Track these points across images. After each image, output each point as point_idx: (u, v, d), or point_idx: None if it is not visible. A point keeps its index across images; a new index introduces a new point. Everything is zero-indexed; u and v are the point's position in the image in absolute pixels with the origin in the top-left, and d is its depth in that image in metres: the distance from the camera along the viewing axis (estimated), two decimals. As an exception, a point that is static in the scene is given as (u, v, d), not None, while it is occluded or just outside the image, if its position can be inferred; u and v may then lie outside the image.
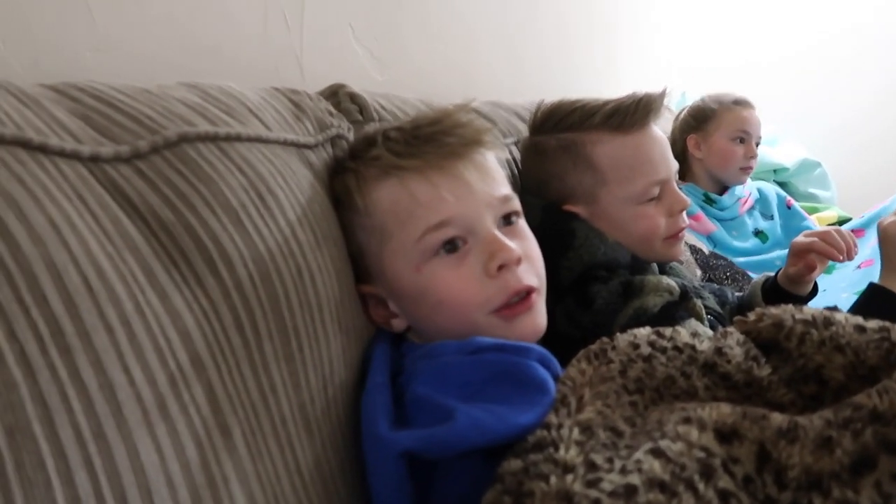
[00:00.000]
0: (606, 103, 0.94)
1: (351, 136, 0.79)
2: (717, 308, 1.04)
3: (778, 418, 0.51)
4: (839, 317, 0.64)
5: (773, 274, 1.14)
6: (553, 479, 0.48)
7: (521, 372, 0.59)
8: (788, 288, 1.08)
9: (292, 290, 0.55)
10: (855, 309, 0.93)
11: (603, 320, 0.88)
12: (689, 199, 1.00)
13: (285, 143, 0.66)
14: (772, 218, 1.89)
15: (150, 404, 0.40)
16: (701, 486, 0.47)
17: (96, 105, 0.53)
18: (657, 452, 0.50)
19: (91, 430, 0.37)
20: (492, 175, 0.70)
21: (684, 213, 1.00)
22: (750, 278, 1.42)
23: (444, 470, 0.57)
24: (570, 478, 0.48)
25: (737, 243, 1.79)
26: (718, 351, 0.66)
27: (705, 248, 1.51)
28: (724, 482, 0.48)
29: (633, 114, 0.92)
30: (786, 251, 1.78)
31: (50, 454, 0.34)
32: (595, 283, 0.91)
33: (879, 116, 2.58)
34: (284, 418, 0.51)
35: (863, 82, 2.62)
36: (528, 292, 0.67)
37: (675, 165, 0.98)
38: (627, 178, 0.93)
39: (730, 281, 1.35)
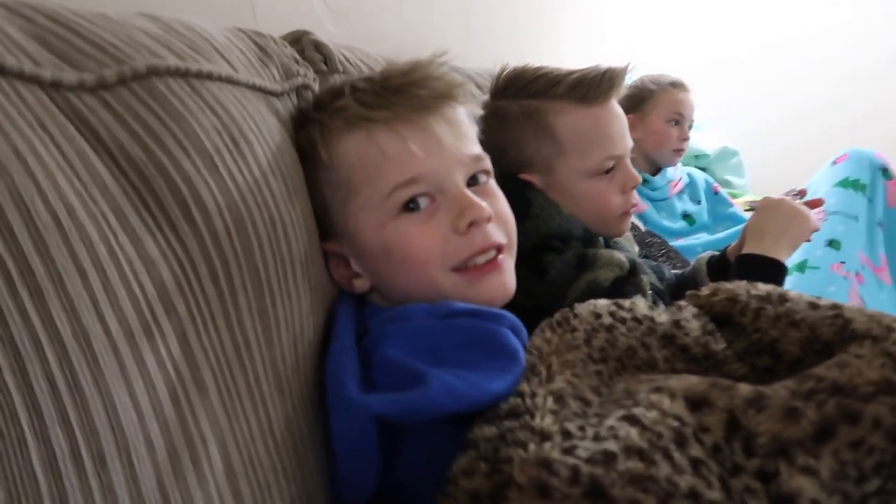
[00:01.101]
0: (570, 73, 0.93)
1: (316, 87, 0.75)
2: (658, 284, 1.07)
3: (745, 388, 0.53)
4: (792, 294, 0.67)
5: (717, 253, 1.18)
6: (531, 447, 0.48)
7: (493, 339, 0.58)
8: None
9: (266, 242, 0.52)
10: (735, 278, 0.98)
11: (556, 290, 0.89)
12: (640, 177, 1.02)
13: (253, 88, 0.61)
14: (699, 203, 1.97)
15: (127, 357, 0.37)
16: (676, 455, 0.48)
17: (52, 27, 0.47)
18: (632, 420, 0.51)
19: (66, 382, 0.33)
20: (463, 131, 0.68)
21: (635, 191, 1.02)
22: (682, 257, 1.47)
23: (410, 436, 0.55)
24: (547, 445, 0.48)
25: (666, 223, 1.85)
26: (676, 324, 0.68)
27: (641, 225, 1.55)
28: (696, 450, 0.49)
29: (596, 86, 0.92)
30: (712, 236, 1.87)
31: (24, 406, 0.31)
32: (549, 253, 0.91)
33: (794, 112, 2.73)
34: (258, 376, 0.48)
35: (783, 83, 2.76)
36: (496, 250, 0.66)
37: (630, 143, 0.99)
38: (585, 151, 0.93)
39: (664, 259, 1.40)
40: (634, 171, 1.00)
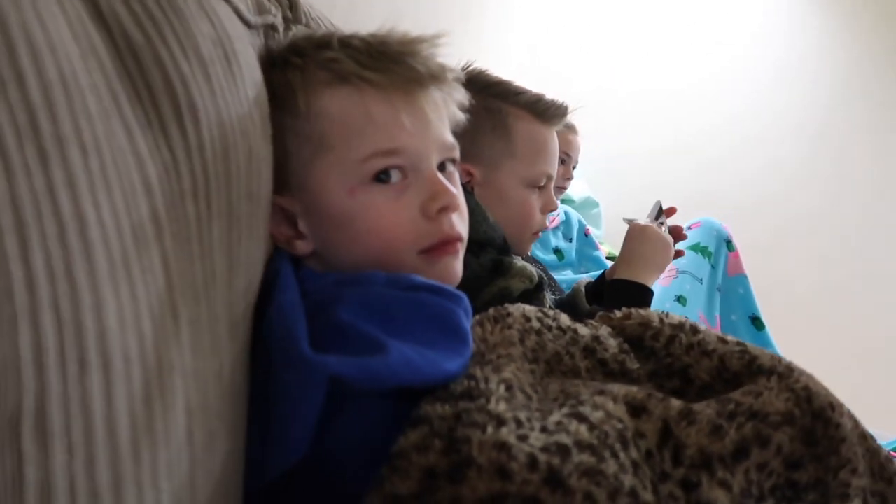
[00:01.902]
0: (529, 90, 0.98)
1: (282, 31, 0.70)
2: (552, 304, 1.12)
3: (676, 402, 0.57)
4: (702, 326, 0.73)
5: (591, 280, 1.25)
6: (489, 429, 0.48)
7: (451, 319, 0.57)
8: None
9: (243, 172, 0.47)
10: (608, 302, 1.06)
11: (468, 291, 0.90)
12: (557, 204, 1.08)
13: (237, 12, 0.56)
14: (571, 240, 2.08)
15: (116, 256, 0.31)
16: (621, 454, 0.50)
17: None
18: (580, 417, 0.52)
19: (63, 262, 0.28)
20: (445, 117, 0.67)
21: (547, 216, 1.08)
22: (559, 286, 1.54)
23: (347, 406, 0.53)
24: (504, 430, 0.48)
25: (538, 253, 1.94)
26: (596, 338, 0.71)
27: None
28: (634, 453, 0.51)
29: (554, 109, 0.99)
30: (575, 275, 1.99)
31: (21, 282, 0.25)
32: (466, 254, 0.92)
33: (652, 168, 2.96)
34: (217, 315, 0.43)
35: (645, 135, 2.99)
36: (457, 240, 0.66)
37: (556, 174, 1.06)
38: (532, 160, 0.98)
39: (545, 284, 1.46)
40: (554, 198, 1.05)
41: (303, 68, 0.61)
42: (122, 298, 0.31)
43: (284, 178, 0.62)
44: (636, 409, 0.55)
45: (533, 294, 0.95)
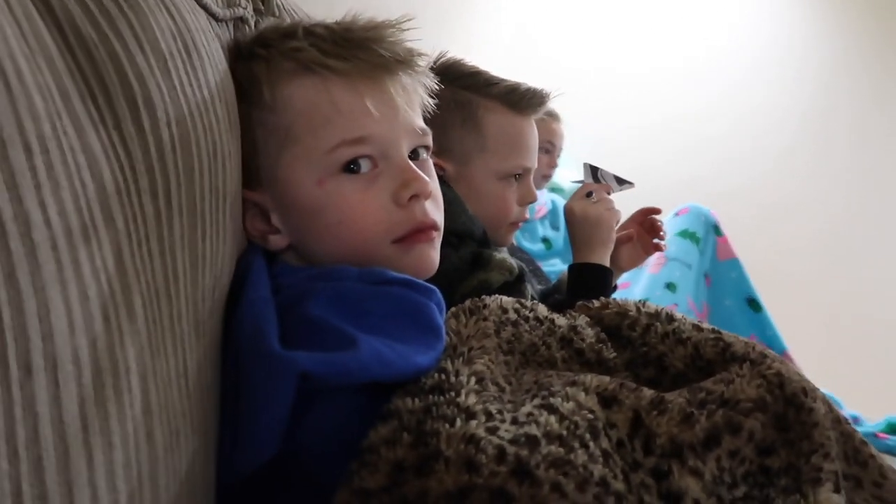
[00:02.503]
0: (505, 80, 0.96)
1: (253, 23, 0.69)
2: (534, 294, 1.12)
3: (648, 392, 0.57)
4: (678, 315, 0.73)
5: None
6: (458, 423, 0.48)
7: (423, 313, 0.57)
8: None
9: (207, 168, 0.46)
10: (570, 290, 1.06)
11: (446, 284, 0.89)
12: (537, 195, 1.07)
13: (200, 4, 0.55)
14: (558, 229, 2.08)
15: (65, 256, 0.31)
16: (591, 444, 0.50)
17: None
18: (550, 408, 0.52)
19: (3, 269, 0.27)
20: (415, 102, 0.66)
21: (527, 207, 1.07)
22: (545, 276, 1.54)
23: (318, 401, 0.52)
24: (473, 423, 0.48)
25: (526, 244, 1.94)
26: (573, 328, 0.71)
27: (514, 240, 1.61)
28: (605, 443, 0.51)
29: (529, 98, 0.97)
30: (564, 264, 1.99)
31: (-44, 288, 0.25)
32: (446, 247, 0.92)
33: (643, 149, 2.96)
34: (181, 313, 0.43)
35: (640, 119, 2.98)
36: (431, 227, 0.65)
37: (536, 163, 1.05)
38: (505, 153, 0.97)
39: (532, 275, 1.46)
40: (534, 189, 1.04)
41: (268, 59, 0.61)
42: (72, 300, 0.31)
43: (254, 173, 0.62)
44: (607, 400, 0.55)
45: (513, 286, 0.95)
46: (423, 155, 0.68)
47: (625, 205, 1.17)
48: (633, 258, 1.19)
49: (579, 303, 0.78)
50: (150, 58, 0.42)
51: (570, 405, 0.53)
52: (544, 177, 1.93)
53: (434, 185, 0.68)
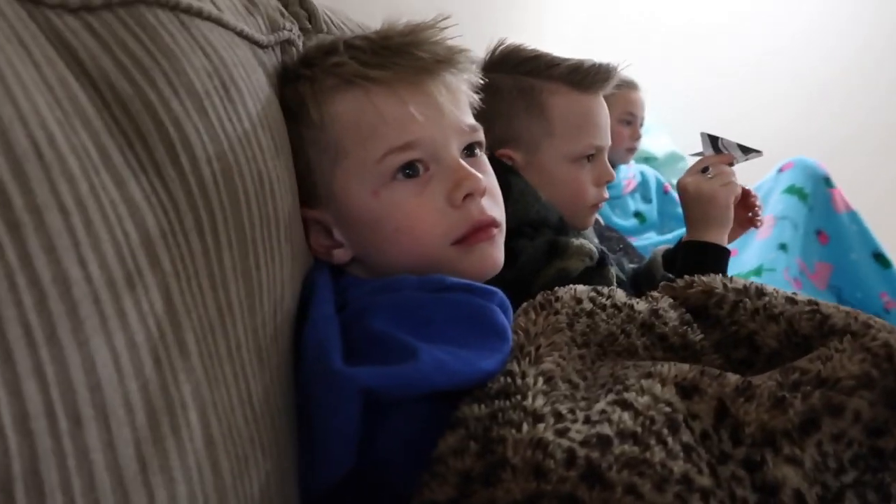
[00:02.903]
0: (568, 59, 0.94)
1: (301, 44, 0.70)
2: (622, 276, 1.08)
3: (733, 378, 0.53)
4: (769, 288, 0.68)
5: (671, 246, 1.20)
6: (525, 427, 0.47)
7: (485, 316, 0.56)
8: None
9: (253, 198, 0.48)
10: (680, 270, 1.00)
11: (525, 277, 0.88)
12: (614, 174, 1.03)
13: (241, 35, 0.57)
14: (650, 201, 2.00)
15: (108, 308, 0.33)
16: (669, 440, 0.47)
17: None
18: (624, 404, 0.50)
19: (43, 331, 0.29)
20: (462, 100, 0.66)
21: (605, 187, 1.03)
22: (638, 252, 1.49)
23: (390, 413, 0.53)
24: (541, 426, 0.47)
25: (618, 220, 1.87)
26: (654, 312, 0.67)
27: (600, 219, 1.56)
28: (687, 437, 0.48)
29: (593, 75, 0.93)
30: (660, 236, 1.91)
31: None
32: (521, 238, 0.90)
33: (741, 115, 2.79)
34: (239, 342, 0.44)
35: (732, 82, 2.82)
36: (490, 224, 0.64)
37: (609, 141, 1.00)
38: (573, 136, 0.94)
39: (622, 253, 1.41)
40: (610, 168, 1.00)
41: (312, 79, 0.62)
42: (118, 348, 0.32)
43: (312, 191, 0.63)
44: (687, 390, 0.52)
45: (595, 271, 0.92)
46: (477, 151, 0.67)
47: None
48: (730, 233, 1.12)
49: (663, 283, 0.74)
50: (185, 101, 0.43)
51: (646, 399, 0.50)
52: (629, 150, 1.85)
53: (490, 181, 0.67)
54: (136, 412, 0.33)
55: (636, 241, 1.84)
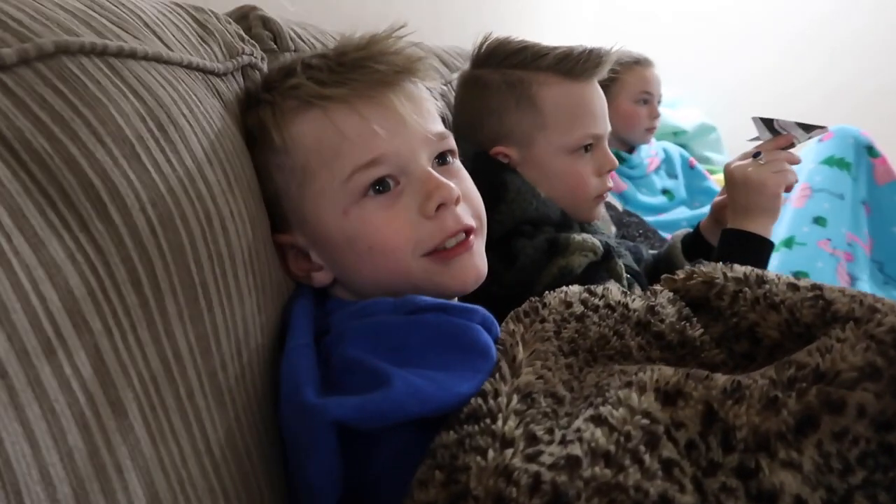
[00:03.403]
0: (557, 48, 0.90)
1: (265, 66, 0.69)
2: (635, 265, 1.04)
3: (722, 378, 0.49)
4: (771, 275, 0.63)
5: (691, 230, 1.15)
6: (490, 454, 0.44)
7: (463, 335, 0.54)
8: (710, 238, 1.09)
9: (199, 238, 0.47)
10: (717, 255, 0.95)
11: (525, 278, 0.85)
12: (617, 161, 0.99)
13: (189, 67, 0.56)
14: (676, 177, 1.93)
15: (20, 381, 0.32)
16: (647, 458, 0.44)
17: (-57, 0, 0.41)
18: (599, 420, 0.47)
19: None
20: (426, 108, 0.64)
21: (609, 176, 0.99)
22: (660, 236, 1.44)
23: (384, 438, 0.51)
24: (509, 452, 0.44)
25: (646, 199, 1.81)
26: (651, 309, 0.64)
27: (619, 205, 1.52)
28: (668, 451, 0.45)
29: (583, 62, 0.89)
30: (691, 211, 1.84)
31: None
32: (520, 238, 0.88)
33: (772, 84, 2.70)
34: (191, 390, 0.43)
35: (758, 51, 2.72)
36: (466, 233, 0.62)
37: (609, 126, 0.96)
38: (566, 126, 0.90)
39: (642, 238, 1.36)
40: (612, 155, 0.96)
41: (272, 102, 0.61)
42: (31, 421, 0.32)
43: (283, 215, 0.62)
44: (670, 396, 0.49)
45: (601, 265, 0.88)
46: (450, 159, 0.65)
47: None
48: None
49: (665, 276, 0.71)
50: (113, 149, 0.42)
51: (621, 412, 0.47)
52: (648, 130, 1.79)
53: (464, 185, 0.65)
54: (59, 484, 0.32)
55: (668, 217, 1.79)
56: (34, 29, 0.43)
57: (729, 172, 0.98)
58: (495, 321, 0.59)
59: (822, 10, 2.59)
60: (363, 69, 0.59)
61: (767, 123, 0.99)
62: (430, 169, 0.61)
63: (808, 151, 1.63)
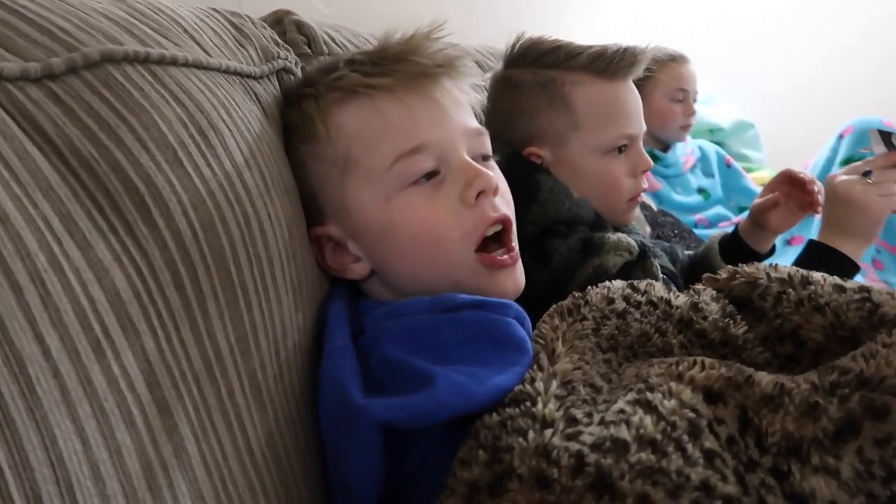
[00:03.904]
0: (591, 47, 0.89)
1: (299, 71, 0.70)
2: (670, 266, 1.02)
3: (765, 380, 0.49)
4: (816, 276, 0.62)
5: (729, 231, 1.13)
6: (531, 435, 0.44)
7: (500, 331, 0.54)
8: (748, 241, 1.07)
9: (239, 241, 0.48)
10: (797, 264, 0.92)
11: (560, 277, 0.85)
12: (651, 162, 0.97)
13: (227, 72, 0.57)
14: (712, 176, 1.90)
15: (71, 380, 0.33)
16: (689, 447, 0.44)
17: (-5, 11, 0.43)
18: (648, 407, 0.47)
19: (-5, 416, 0.29)
20: (464, 105, 0.65)
21: (643, 176, 0.97)
22: (696, 236, 1.42)
23: (414, 440, 0.52)
24: (548, 432, 0.44)
25: (681, 199, 1.79)
26: (694, 306, 0.63)
27: (653, 204, 1.50)
28: (710, 442, 0.45)
29: (618, 61, 0.88)
30: (729, 210, 1.81)
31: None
32: (554, 238, 0.87)
33: (811, 81, 2.64)
34: (232, 390, 0.44)
35: (797, 48, 2.67)
36: (504, 224, 0.63)
37: (644, 126, 0.95)
38: (600, 126, 0.89)
39: (677, 238, 1.34)
40: (646, 156, 0.95)
41: (315, 95, 0.62)
42: (82, 419, 0.33)
43: (321, 208, 0.63)
44: (712, 397, 0.48)
45: (636, 265, 0.87)
46: (484, 160, 0.66)
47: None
48: (786, 219, 1.05)
49: (706, 275, 0.70)
50: (156, 155, 0.43)
51: (672, 404, 0.47)
52: (683, 128, 1.76)
53: (501, 184, 0.66)
54: (108, 480, 0.33)
55: (704, 215, 1.76)
56: (80, 38, 0.45)
57: (832, 187, 0.94)
58: (527, 317, 0.59)
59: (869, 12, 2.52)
60: (406, 62, 0.61)
61: (885, 137, 0.92)
62: (469, 158, 0.62)
63: (829, 151, 1.58)
